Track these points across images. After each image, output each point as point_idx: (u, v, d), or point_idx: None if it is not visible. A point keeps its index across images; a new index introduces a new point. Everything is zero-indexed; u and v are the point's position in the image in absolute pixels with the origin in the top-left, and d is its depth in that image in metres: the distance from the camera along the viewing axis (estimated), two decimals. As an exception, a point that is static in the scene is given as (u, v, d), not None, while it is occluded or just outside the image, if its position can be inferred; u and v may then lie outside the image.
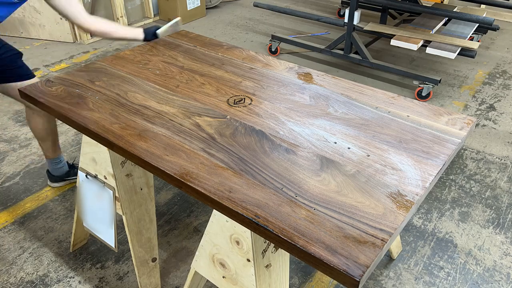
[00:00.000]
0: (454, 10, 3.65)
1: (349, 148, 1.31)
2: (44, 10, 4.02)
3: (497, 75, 3.59)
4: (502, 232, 2.10)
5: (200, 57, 1.90)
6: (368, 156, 1.28)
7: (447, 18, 3.63)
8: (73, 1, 1.79)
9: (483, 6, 4.68)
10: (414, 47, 3.12)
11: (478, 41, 3.56)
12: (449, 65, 3.76)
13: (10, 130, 2.86)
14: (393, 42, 3.21)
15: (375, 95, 1.60)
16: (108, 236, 1.68)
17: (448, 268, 1.93)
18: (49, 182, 2.36)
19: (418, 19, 3.57)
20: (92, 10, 4.20)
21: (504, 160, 2.60)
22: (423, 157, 1.27)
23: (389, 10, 4.13)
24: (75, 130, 2.86)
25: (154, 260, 1.76)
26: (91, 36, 4.19)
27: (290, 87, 1.66)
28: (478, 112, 3.08)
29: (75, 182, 2.35)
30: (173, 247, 2.02)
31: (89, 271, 1.90)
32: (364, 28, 3.38)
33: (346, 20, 3.40)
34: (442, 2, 4.85)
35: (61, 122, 2.85)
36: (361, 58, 3.41)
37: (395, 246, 1.94)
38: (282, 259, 1.34)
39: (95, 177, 1.63)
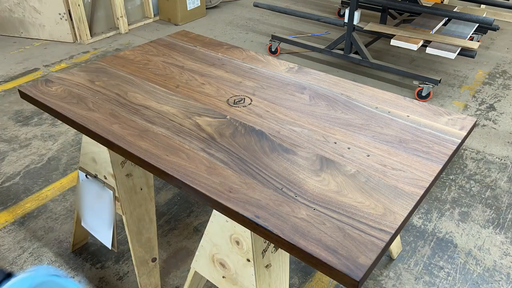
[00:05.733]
0: (454, 10, 3.65)
1: (349, 148, 1.31)
2: (44, 10, 4.03)
3: (497, 75, 3.59)
4: (502, 232, 2.10)
5: (200, 57, 1.90)
6: (368, 156, 1.28)
7: (447, 18, 3.63)
8: None
9: (483, 6, 4.68)
10: (414, 47, 3.12)
11: (478, 41, 3.56)
12: (449, 65, 3.76)
13: (10, 130, 2.86)
14: (393, 42, 3.21)
15: (375, 95, 1.60)
16: (105, 237, 1.68)
17: (448, 268, 1.93)
18: None
19: (418, 19, 3.57)
20: (92, 10, 4.20)
21: (504, 160, 2.60)
22: (423, 157, 1.27)
23: (389, 10, 4.13)
24: (75, 130, 2.86)
25: (154, 260, 1.76)
26: (91, 36, 4.19)
27: (290, 87, 1.66)
28: (478, 112, 3.08)
29: None
30: (173, 247, 2.02)
31: (89, 271, 1.90)
32: (364, 28, 3.38)
33: (346, 20, 3.40)
34: (442, 2, 4.85)
35: (61, 122, 2.86)
36: (361, 58, 3.41)
37: (395, 246, 1.94)
38: (282, 259, 1.34)
39: (95, 177, 1.63)
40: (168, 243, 2.04)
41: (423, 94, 3.20)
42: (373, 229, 1.03)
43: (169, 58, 1.88)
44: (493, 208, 2.25)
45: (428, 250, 2.01)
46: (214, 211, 1.24)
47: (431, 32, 3.32)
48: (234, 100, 1.57)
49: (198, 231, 2.10)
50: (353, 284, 0.92)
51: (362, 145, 1.32)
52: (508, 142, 2.77)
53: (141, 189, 1.65)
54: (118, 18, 4.36)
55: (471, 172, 2.50)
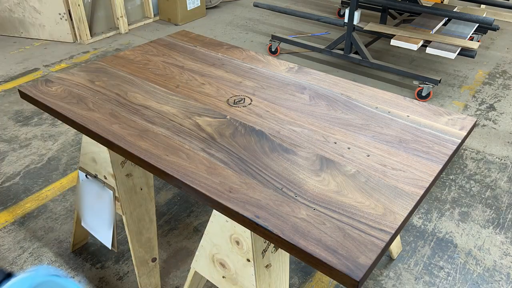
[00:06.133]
0: (454, 10, 3.65)
1: (349, 148, 1.31)
2: (44, 10, 4.03)
3: (497, 75, 3.59)
4: (502, 232, 2.10)
5: (200, 57, 1.90)
6: (368, 156, 1.28)
7: (447, 18, 3.63)
8: None
9: (483, 6, 4.68)
10: (414, 47, 3.12)
11: (478, 41, 3.56)
12: (449, 65, 3.76)
13: (10, 130, 2.86)
14: (393, 42, 3.21)
15: (375, 95, 1.60)
16: (105, 237, 1.68)
17: (448, 268, 1.93)
18: None
19: (418, 19, 3.57)
20: (92, 10, 4.20)
21: (504, 160, 2.60)
22: (423, 157, 1.27)
23: (389, 10, 4.13)
24: (75, 130, 2.86)
25: (154, 260, 1.76)
26: (91, 36, 4.20)
27: (290, 87, 1.66)
28: (478, 112, 3.08)
29: None
30: (173, 247, 2.02)
31: (89, 271, 1.90)
32: (364, 28, 3.38)
33: (346, 20, 3.40)
34: (442, 2, 4.86)
35: (61, 122, 2.86)
36: (361, 58, 3.41)
37: (395, 246, 1.94)
38: (282, 259, 1.34)
39: (95, 177, 1.63)
40: (168, 243, 2.04)
41: (423, 94, 3.20)
42: (373, 229, 1.03)
43: (169, 58, 1.88)
44: (493, 208, 2.25)
45: (428, 250, 2.01)
46: (214, 211, 1.24)
47: (431, 32, 3.32)
48: (234, 100, 1.57)
49: (198, 231, 2.10)
50: (353, 284, 0.92)
51: (362, 145, 1.32)
52: (508, 142, 2.77)
53: (141, 189, 1.65)
54: (118, 18, 4.36)
55: (471, 172, 2.50)
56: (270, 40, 3.90)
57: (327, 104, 1.54)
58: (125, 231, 2.09)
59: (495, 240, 2.06)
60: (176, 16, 4.59)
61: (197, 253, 1.37)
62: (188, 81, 1.70)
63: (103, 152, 1.53)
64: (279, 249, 1.30)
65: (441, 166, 1.24)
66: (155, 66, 1.81)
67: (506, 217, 2.19)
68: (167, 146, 1.31)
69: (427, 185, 1.17)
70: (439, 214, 2.21)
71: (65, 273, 1.90)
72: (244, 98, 1.58)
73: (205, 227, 1.30)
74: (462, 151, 2.69)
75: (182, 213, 2.21)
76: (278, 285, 1.35)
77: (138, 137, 1.36)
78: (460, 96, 3.29)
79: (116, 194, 1.57)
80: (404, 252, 2.00)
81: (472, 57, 3.08)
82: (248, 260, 1.22)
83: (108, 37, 4.32)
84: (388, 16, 4.09)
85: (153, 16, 4.73)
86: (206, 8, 5.05)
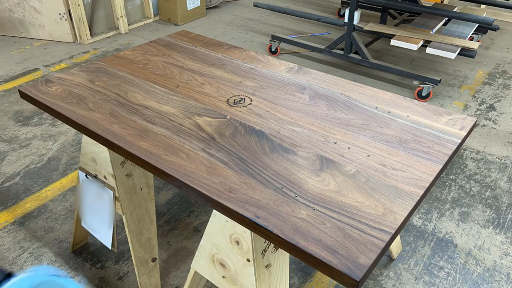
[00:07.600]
0: (454, 10, 3.65)
1: (349, 148, 1.31)
2: (44, 10, 4.03)
3: (497, 75, 3.59)
4: (502, 232, 2.10)
5: (200, 57, 1.90)
6: (368, 156, 1.28)
7: (447, 18, 3.63)
8: None
9: (483, 6, 4.68)
10: (414, 47, 3.12)
11: (478, 41, 3.56)
12: (449, 65, 3.76)
13: (10, 130, 2.86)
14: (393, 42, 3.21)
15: (375, 95, 1.60)
16: (105, 237, 1.68)
17: (448, 268, 1.93)
18: None
19: (418, 19, 3.57)
20: (92, 10, 4.20)
21: (504, 160, 2.60)
22: (423, 157, 1.27)
23: (389, 10, 4.13)
24: (75, 130, 2.86)
25: (154, 260, 1.76)
26: (91, 36, 4.20)
27: (290, 87, 1.66)
28: (478, 112, 3.08)
29: None
30: (173, 247, 2.02)
31: (89, 271, 1.90)
32: (364, 28, 3.38)
33: (346, 20, 3.40)
34: (442, 2, 4.86)
35: (61, 122, 2.86)
36: (361, 58, 3.41)
37: (395, 246, 1.94)
38: (282, 259, 1.34)
39: (95, 177, 1.63)
40: (168, 243, 2.04)
41: (423, 94, 3.20)
42: (373, 229, 1.03)
43: (169, 58, 1.88)
44: (493, 208, 2.25)
45: (428, 250, 2.01)
46: (214, 211, 1.24)
47: (431, 32, 3.32)
48: (234, 100, 1.57)
49: (198, 231, 2.10)
50: (353, 284, 0.92)
51: (362, 145, 1.32)
52: (508, 142, 2.77)
53: (141, 189, 1.65)
54: (118, 18, 4.36)
55: (471, 172, 2.50)
56: (270, 40, 3.90)
57: (327, 104, 1.54)
58: (125, 231, 2.09)
59: (495, 240, 2.06)
60: (176, 16, 4.59)
61: (197, 253, 1.38)
62: (188, 81, 1.70)
63: (103, 152, 1.53)
64: (279, 249, 1.30)
65: (441, 166, 1.24)
66: (155, 66, 1.81)
67: (506, 217, 2.19)
68: (167, 146, 1.31)
69: (427, 185, 1.17)
70: (439, 214, 2.21)
71: (65, 273, 1.90)
72: (244, 98, 1.58)
73: (205, 227, 1.30)
74: (462, 151, 2.69)
75: (182, 213, 2.21)
76: (278, 285, 1.35)
77: (138, 137, 1.36)
78: (460, 96, 3.29)
79: (116, 194, 1.57)
80: (404, 252, 2.00)
81: (472, 57, 3.08)
82: (248, 260, 1.22)
83: (108, 37, 4.32)
84: (388, 16, 4.09)
85: (153, 16, 4.73)
86: (206, 8, 5.05)
